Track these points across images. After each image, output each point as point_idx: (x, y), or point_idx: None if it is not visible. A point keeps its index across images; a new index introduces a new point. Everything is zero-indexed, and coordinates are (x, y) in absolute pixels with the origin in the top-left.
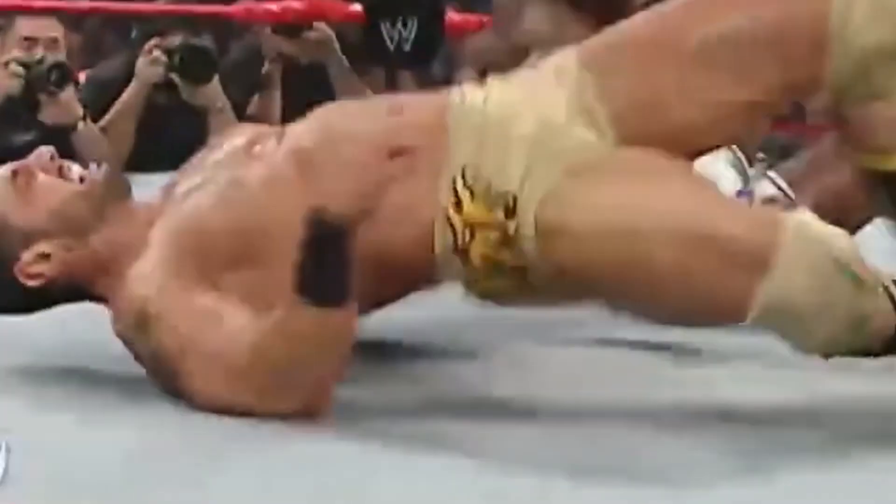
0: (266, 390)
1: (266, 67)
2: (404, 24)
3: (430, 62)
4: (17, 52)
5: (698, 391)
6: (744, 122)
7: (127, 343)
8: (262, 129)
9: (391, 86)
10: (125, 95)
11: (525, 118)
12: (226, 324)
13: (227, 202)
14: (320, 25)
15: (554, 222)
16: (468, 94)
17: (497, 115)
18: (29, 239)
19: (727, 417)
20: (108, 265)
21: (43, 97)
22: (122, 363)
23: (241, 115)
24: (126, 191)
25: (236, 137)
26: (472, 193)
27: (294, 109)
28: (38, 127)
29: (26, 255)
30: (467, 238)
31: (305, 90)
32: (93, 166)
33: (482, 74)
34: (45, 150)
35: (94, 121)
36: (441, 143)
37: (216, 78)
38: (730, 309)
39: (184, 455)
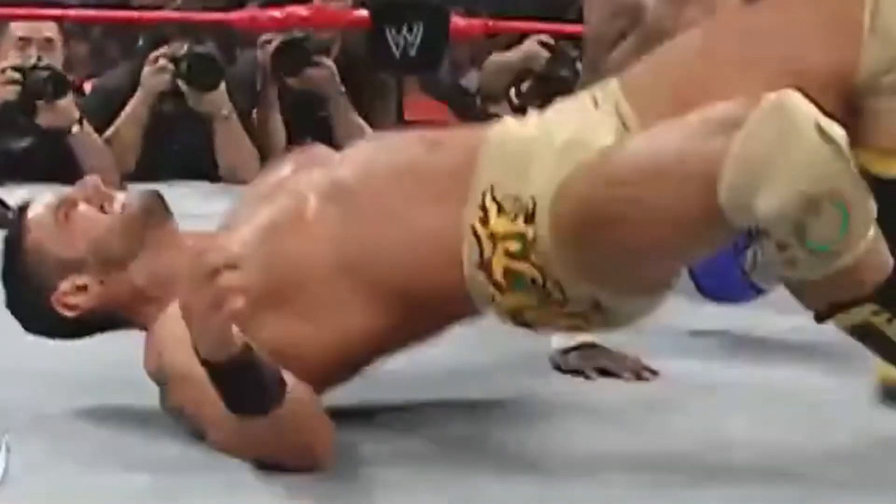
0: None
1: (260, 85)
2: (409, 30)
3: (436, 67)
4: (12, 58)
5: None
6: None
7: (154, 381)
8: (312, 155)
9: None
10: (131, 104)
11: (557, 135)
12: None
13: (258, 243)
14: (324, 60)
15: (564, 209)
16: (505, 126)
17: (530, 135)
18: (66, 269)
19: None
20: (148, 294)
21: (40, 103)
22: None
23: (246, 124)
24: (165, 214)
25: (286, 166)
26: (498, 208)
27: (292, 123)
28: (34, 131)
29: (63, 286)
30: (490, 251)
31: (302, 106)
32: (131, 192)
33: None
34: (90, 180)
35: (101, 130)
36: (473, 173)
37: (223, 85)
38: (705, 172)
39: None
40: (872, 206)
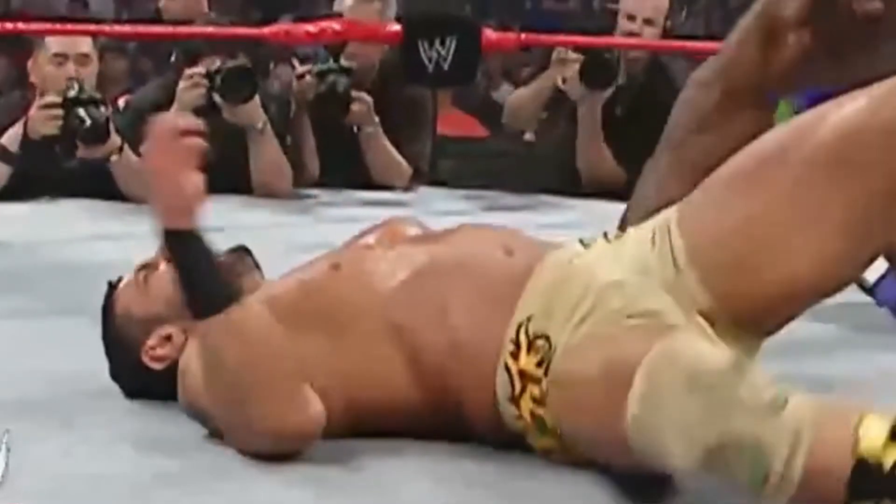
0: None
1: (294, 114)
2: (442, 44)
3: (469, 80)
4: (51, 81)
5: None
6: (852, 266)
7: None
8: (396, 228)
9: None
10: None
11: (600, 278)
12: None
13: (319, 280)
14: (361, 96)
15: (560, 374)
16: (563, 251)
17: (577, 271)
18: (150, 325)
19: None
20: None
21: (79, 143)
22: None
23: (280, 145)
24: (248, 269)
25: (373, 233)
26: (529, 345)
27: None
28: (77, 157)
29: (151, 340)
30: (519, 389)
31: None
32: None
33: None
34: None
35: (135, 145)
36: (520, 297)
37: (256, 98)
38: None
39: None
40: (785, 424)
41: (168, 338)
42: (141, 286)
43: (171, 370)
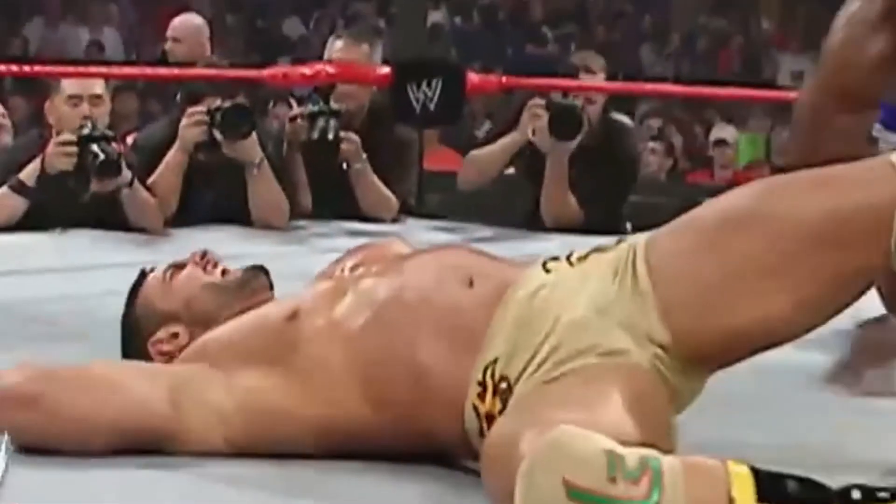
0: None
1: (286, 152)
2: (429, 86)
3: (454, 121)
4: (67, 121)
5: None
6: (802, 321)
7: None
8: (380, 251)
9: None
10: (171, 154)
11: (562, 317)
12: None
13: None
14: (349, 136)
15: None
16: (528, 282)
17: (540, 309)
18: (163, 320)
19: None
20: None
21: (93, 177)
22: None
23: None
24: (260, 287)
25: (356, 255)
26: (494, 388)
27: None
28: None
29: (160, 333)
30: (487, 429)
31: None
32: (238, 266)
33: None
34: (200, 250)
35: (143, 179)
36: (485, 334)
37: (254, 135)
38: None
39: None
40: None
41: (175, 335)
42: (165, 282)
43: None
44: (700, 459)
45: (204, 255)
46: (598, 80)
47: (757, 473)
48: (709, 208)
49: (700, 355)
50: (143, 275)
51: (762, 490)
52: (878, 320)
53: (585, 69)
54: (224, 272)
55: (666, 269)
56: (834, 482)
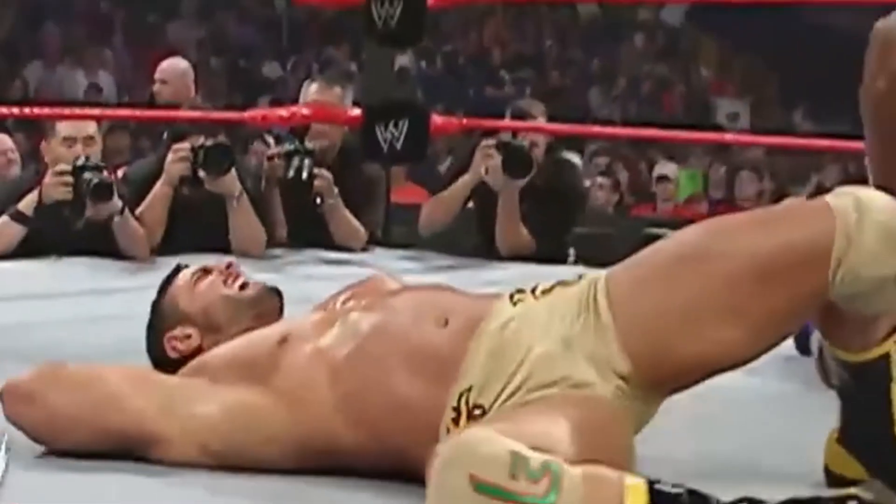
0: None
1: (264, 188)
2: (396, 126)
3: (419, 159)
4: (63, 157)
5: None
6: (752, 349)
7: None
8: (370, 286)
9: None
10: (156, 188)
11: (532, 350)
12: None
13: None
14: (322, 172)
15: None
16: (498, 314)
17: (510, 341)
18: (181, 319)
19: None
20: None
21: (88, 202)
22: None
23: (257, 208)
24: (272, 307)
25: (346, 291)
26: (468, 413)
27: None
28: (85, 218)
29: (177, 330)
30: None
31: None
32: (259, 281)
33: None
34: (226, 261)
35: (132, 210)
36: (458, 367)
37: (233, 171)
38: None
39: None
40: None
41: (188, 336)
42: (191, 284)
43: (178, 362)
44: (601, 470)
45: (229, 266)
46: (540, 123)
47: (651, 486)
48: (665, 246)
49: (658, 382)
50: (177, 269)
51: (653, 501)
52: None
53: (528, 115)
54: (244, 286)
55: (625, 303)
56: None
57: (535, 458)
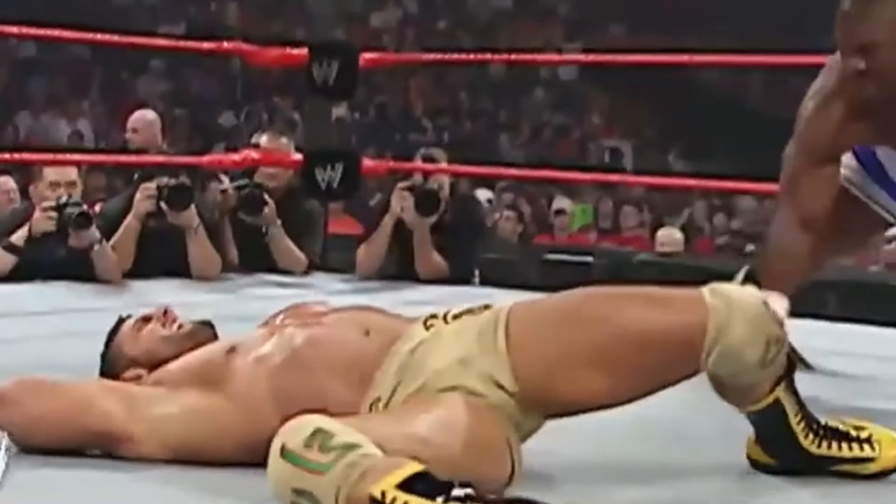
0: None
1: (218, 218)
2: (332, 168)
3: (352, 195)
4: (49, 197)
5: None
6: (617, 399)
7: None
8: (304, 308)
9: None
10: (126, 221)
11: (431, 367)
12: None
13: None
14: (270, 202)
15: None
16: (411, 337)
17: (417, 362)
18: (129, 363)
19: None
20: None
21: (71, 231)
22: None
23: (213, 237)
24: (207, 339)
25: (285, 311)
26: None
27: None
28: (67, 248)
29: (126, 374)
30: None
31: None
32: (190, 319)
33: None
34: (162, 307)
35: (107, 240)
36: (373, 378)
37: (193, 207)
38: None
39: None
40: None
41: (139, 377)
42: (134, 332)
43: None
44: (399, 459)
45: (166, 311)
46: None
47: (420, 473)
48: (564, 299)
49: (540, 407)
50: (120, 321)
51: (406, 482)
52: None
53: (434, 160)
54: (180, 326)
55: (520, 338)
56: None
57: (340, 438)
